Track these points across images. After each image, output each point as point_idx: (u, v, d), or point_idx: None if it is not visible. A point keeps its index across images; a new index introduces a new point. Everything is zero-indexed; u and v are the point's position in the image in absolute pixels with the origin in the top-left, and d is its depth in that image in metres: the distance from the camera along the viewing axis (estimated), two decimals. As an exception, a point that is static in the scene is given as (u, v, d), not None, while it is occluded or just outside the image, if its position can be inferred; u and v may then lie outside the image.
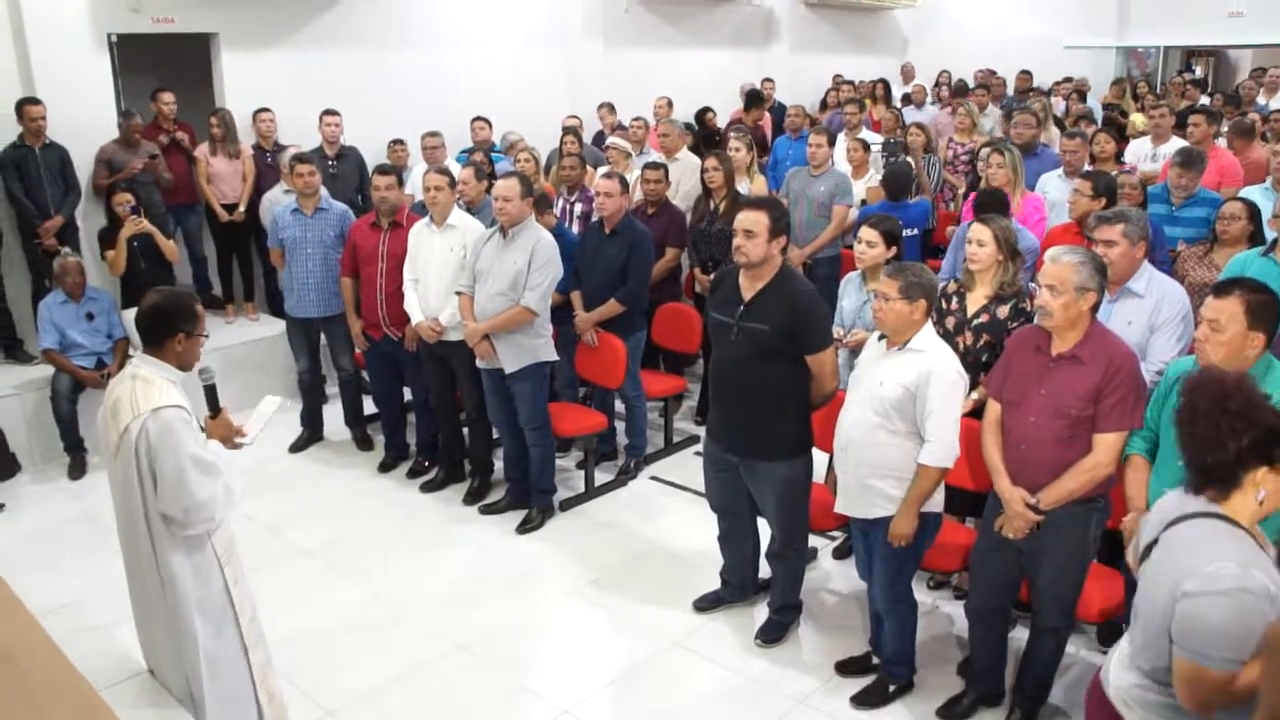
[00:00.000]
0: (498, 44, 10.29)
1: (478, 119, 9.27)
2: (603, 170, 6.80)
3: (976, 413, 4.09)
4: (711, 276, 5.55)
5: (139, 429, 3.00)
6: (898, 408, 3.73)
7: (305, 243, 6.50)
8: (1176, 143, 7.75)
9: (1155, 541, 2.56)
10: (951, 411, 3.71)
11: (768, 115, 11.64)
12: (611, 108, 10.32)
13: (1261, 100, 11.73)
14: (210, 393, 3.47)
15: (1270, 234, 5.28)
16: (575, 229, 6.82)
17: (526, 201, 5.44)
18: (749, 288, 4.17)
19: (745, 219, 4.08)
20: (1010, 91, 13.11)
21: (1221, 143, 8.12)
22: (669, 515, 5.86)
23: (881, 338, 3.89)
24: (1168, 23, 15.34)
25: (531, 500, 5.80)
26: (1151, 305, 4.32)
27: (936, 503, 3.87)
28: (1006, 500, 3.67)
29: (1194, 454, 2.47)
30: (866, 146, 8.06)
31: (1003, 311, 4.43)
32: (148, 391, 3.07)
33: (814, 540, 5.20)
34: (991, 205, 5.43)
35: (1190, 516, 2.47)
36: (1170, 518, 2.53)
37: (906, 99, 12.68)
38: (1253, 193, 6.23)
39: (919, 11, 16.05)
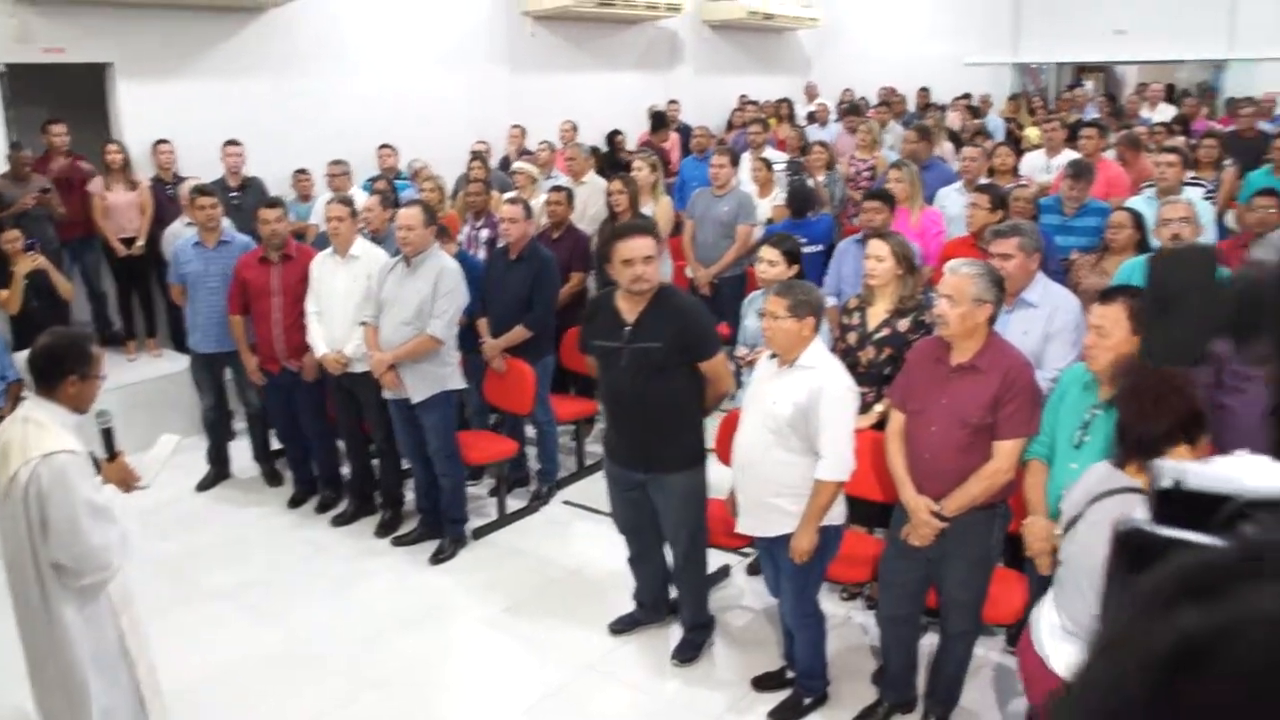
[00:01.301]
0: (403, 70, 10.22)
1: (383, 146, 9.23)
2: (507, 196, 6.80)
3: (883, 424, 4.16)
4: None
5: (29, 474, 2.92)
6: (791, 425, 3.78)
7: (208, 276, 6.38)
8: (1069, 154, 7.99)
9: (1080, 516, 2.69)
10: (843, 426, 3.77)
11: (675, 136, 11.75)
12: (524, 130, 10.33)
13: (1145, 113, 12.15)
14: (107, 436, 3.39)
15: (1155, 241, 5.45)
16: (482, 255, 6.79)
17: (430, 230, 5.41)
18: (631, 310, 4.21)
19: (643, 246, 4.11)
20: (912, 108, 13.40)
21: (1110, 155, 8.38)
22: (583, 539, 5.84)
23: (773, 356, 3.94)
24: (1058, 40, 15.86)
25: (444, 530, 5.74)
26: (1046, 315, 4.44)
27: (836, 516, 3.93)
28: (911, 509, 3.73)
29: (1128, 428, 2.72)
30: (770, 165, 8.16)
31: (903, 324, 4.51)
32: (40, 436, 2.99)
33: (726, 557, 5.24)
34: (880, 196, 5.73)
35: (1115, 492, 2.72)
36: (1095, 493, 2.65)
37: (810, 117, 12.89)
38: (1138, 202, 6.44)
39: (821, 31, 16.33)
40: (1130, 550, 0.70)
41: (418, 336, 5.35)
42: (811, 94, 14.48)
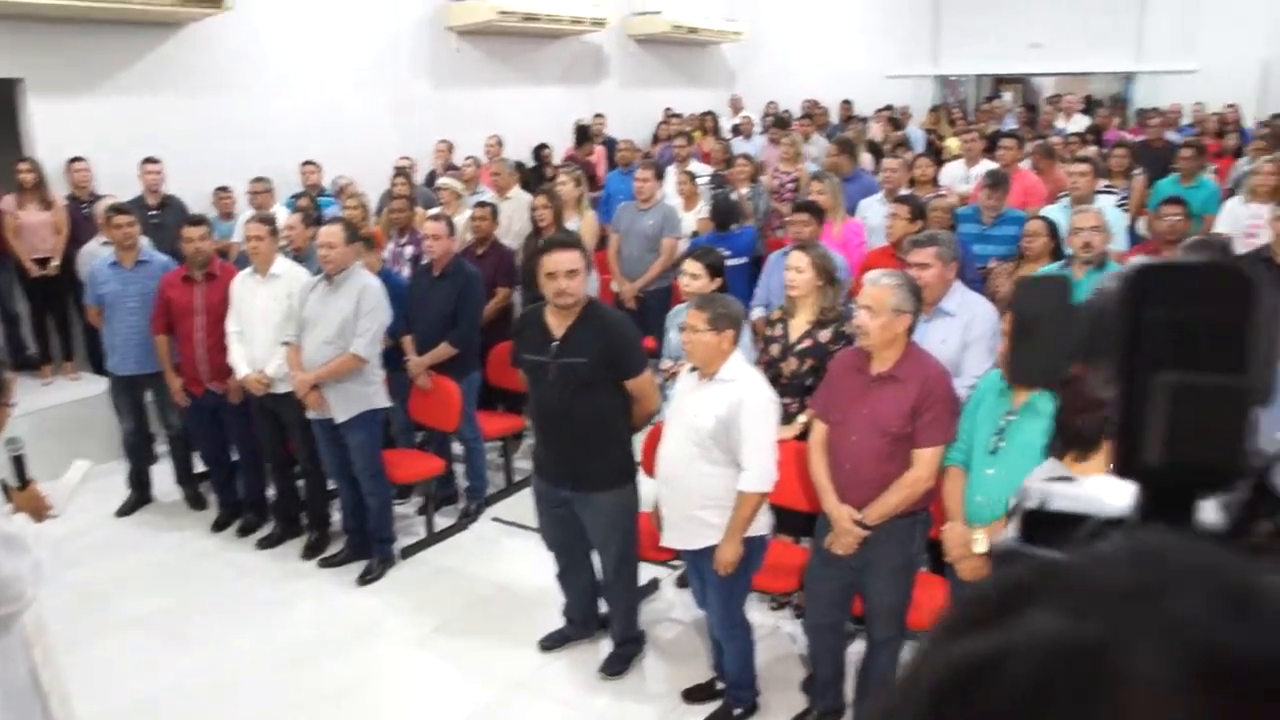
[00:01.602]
0: (326, 86, 10.12)
1: (307, 163, 9.13)
2: (430, 212, 6.77)
3: (806, 435, 4.21)
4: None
5: (-68, 506, 2.84)
6: (713, 438, 3.80)
7: (126, 297, 6.25)
8: (987, 165, 8.16)
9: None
10: (765, 437, 3.80)
11: (600, 149, 11.78)
12: (450, 145, 10.28)
13: (1060, 123, 12.45)
14: (18, 464, 3.31)
15: (1068, 249, 5.59)
16: (406, 272, 6.75)
17: (352, 247, 5.37)
18: (559, 325, 4.21)
19: (566, 259, 4.11)
20: (835, 120, 13.58)
21: (1027, 164, 8.58)
22: (512, 556, 5.82)
23: (694, 369, 3.96)
24: (976, 53, 16.23)
25: (371, 550, 5.68)
26: (963, 323, 4.53)
27: (760, 527, 3.96)
28: (834, 518, 3.78)
29: (1067, 417, 2.81)
30: (694, 178, 8.22)
31: (824, 335, 4.57)
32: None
33: (655, 570, 5.25)
34: (807, 208, 5.78)
35: (1053, 481, 2.70)
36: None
37: (735, 130, 13.01)
38: (1053, 211, 6.60)
39: (745, 45, 16.49)
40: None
41: (341, 355, 5.29)
42: (736, 107, 14.61)
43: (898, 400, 3.66)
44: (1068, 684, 0.40)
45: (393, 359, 5.95)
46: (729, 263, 5.71)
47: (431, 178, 9.83)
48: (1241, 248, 5.81)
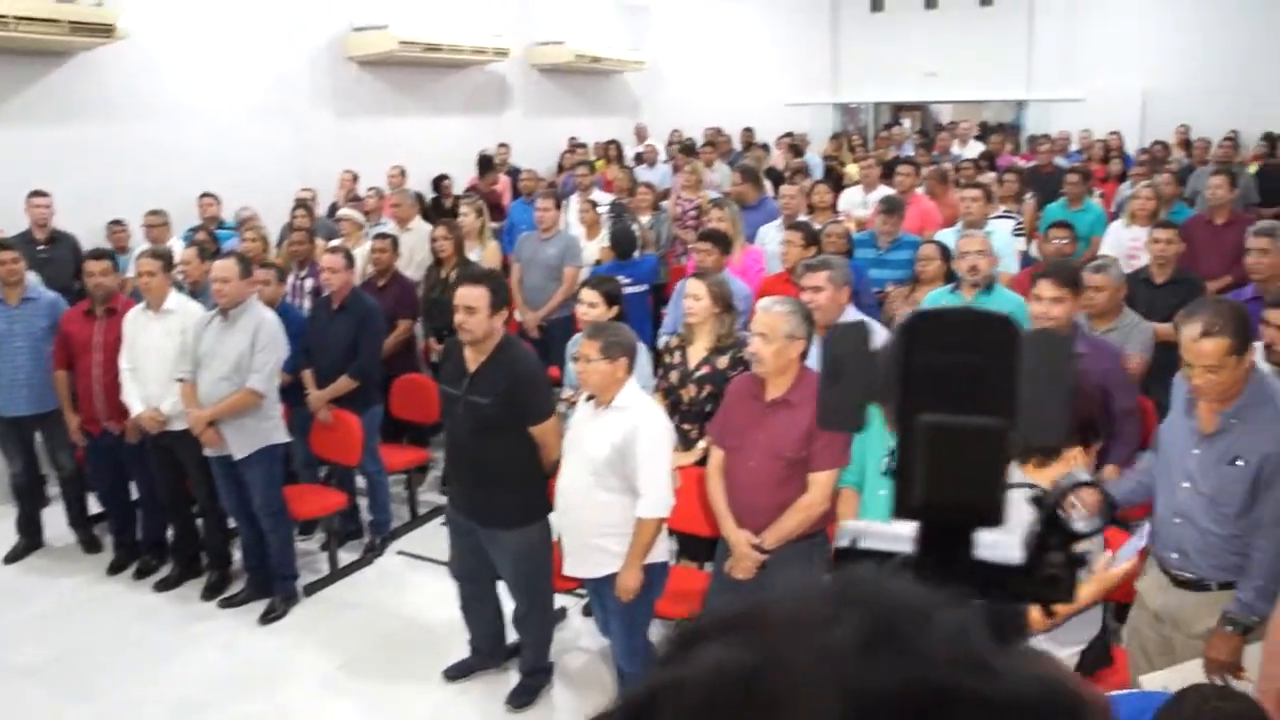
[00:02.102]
0: (225, 116, 9.97)
1: (204, 195, 8.97)
2: (328, 245, 6.72)
3: (705, 460, 4.25)
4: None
5: None
6: (609, 465, 3.84)
7: (12, 336, 6.05)
8: (884, 190, 8.35)
9: None
10: (660, 464, 3.85)
11: (505, 179, 11.79)
12: (355, 176, 10.21)
13: (956, 149, 12.80)
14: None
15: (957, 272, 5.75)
16: (306, 305, 6.68)
17: (246, 281, 5.30)
18: (473, 360, 4.22)
19: (466, 295, 4.13)
20: (738, 147, 13.78)
21: (922, 190, 8.80)
22: (418, 589, 5.76)
23: (590, 398, 3.99)
24: (874, 81, 16.64)
25: (273, 588, 5.57)
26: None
27: (661, 553, 4.00)
28: (732, 543, 3.83)
29: None
30: (596, 207, 8.28)
31: (722, 362, 4.64)
32: None
33: (563, 599, 5.24)
34: (710, 237, 5.85)
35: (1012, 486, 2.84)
36: None
37: (639, 158, 13.13)
38: (947, 235, 6.77)
39: (649, 74, 16.70)
40: None
41: (237, 391, 5.21)
42: (641, 135, 14.76)
43: (793, 425, 3.73)
44: (727, 707, 0.44)
45: (293, 393, 5.88)
46: (629, 290, 5.77)
47: (334, 209, 9.74)
48: (1126, 268, 6.02)
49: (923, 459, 0.67)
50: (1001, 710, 0.44)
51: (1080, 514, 0.78)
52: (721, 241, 6.03)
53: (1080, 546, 0.77)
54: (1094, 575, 2.91)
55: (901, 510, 0.69)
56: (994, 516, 0.68)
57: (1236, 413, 3.16)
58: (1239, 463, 3.13)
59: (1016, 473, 2.95)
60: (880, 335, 4.67)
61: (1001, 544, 0.77)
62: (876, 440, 3.72)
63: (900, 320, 0.72)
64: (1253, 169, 11.19)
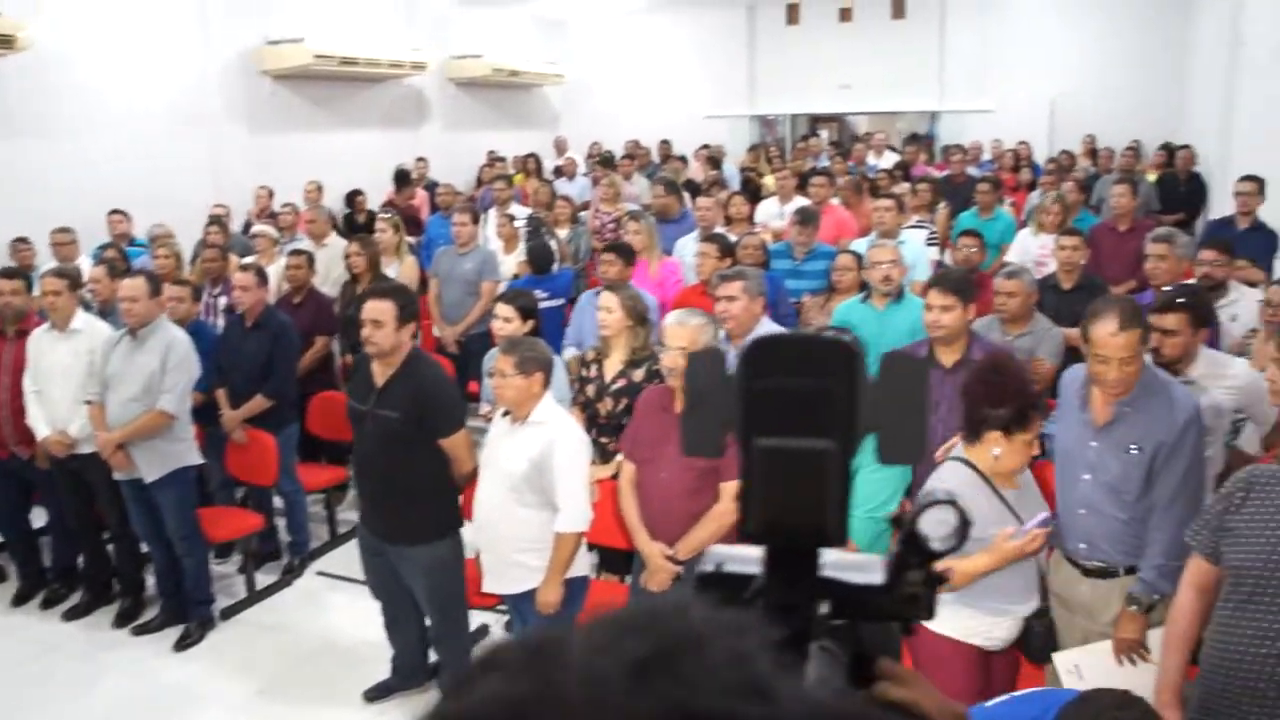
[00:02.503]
0: (134, 131, 9.73)
1: (114, 212, 8.76)
2: (240, 262, 6.62)
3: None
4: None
5: None
6: (526, 480, 3.83)
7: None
8: (800, 201, 8.44)
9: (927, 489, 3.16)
10: (578, 478, 3.85)
11: (423, 194, 11.71)
12: (270, 191, 10.06)
13: (871, 160, 13.01)
14: None
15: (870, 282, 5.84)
16: (220, 323, 6.57)
17: (156, 300, 5.20)
18: (381, 374, 4.18)
19: (372, 309, 4.10)
20: (656, 159, 13.86)
21: (837, 201, 8.92)
22: (338, 610, 5.68)
23: (507, 413, 3.99)
24: (790, 94, 16.86)
25: (188, 614, 5.46)
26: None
27: (581, 567, 3.99)
28: (646, 555, 3.84)
29: (966, 406, 3.27)
30: (514, 221, 8.26)
31: (638, 375, 4.65)
32: None
33: (485, 616, 5.21)
34: (615, 249, 5.90)
35: (951, 460, 3.27)
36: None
37: (558, 171, 13.14)
38: (861, 245, 6.87)
39: (568, 87, 16.73)
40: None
41: (148, 413, 5.10)
42: (560, 148, 14.77)
43: None
44: None
45: (207, 413, 5.78)
46: (546, 305, 5.77)
47: (248, 225, 9.59)
48: (1036, 275, 6.16)
49: (758, 482, 0.68)
50: None
51: (938, 533, 0.80)
52: (625, 253, 6.05)
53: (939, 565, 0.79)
54: (990, 547, 3.10)
55: (744, 534, 0.71)
56: (833, 536, 0.69)
57: (1130, 402, 3.31)
58: (1134, 450, 3.27)
59: (959, 447, 3.13)
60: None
61: (864, 565, 0.80)
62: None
63: (742, 347, 0.73)
64: (1152, 177, 11.55)
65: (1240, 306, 5.42)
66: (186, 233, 8.46)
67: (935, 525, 0.80)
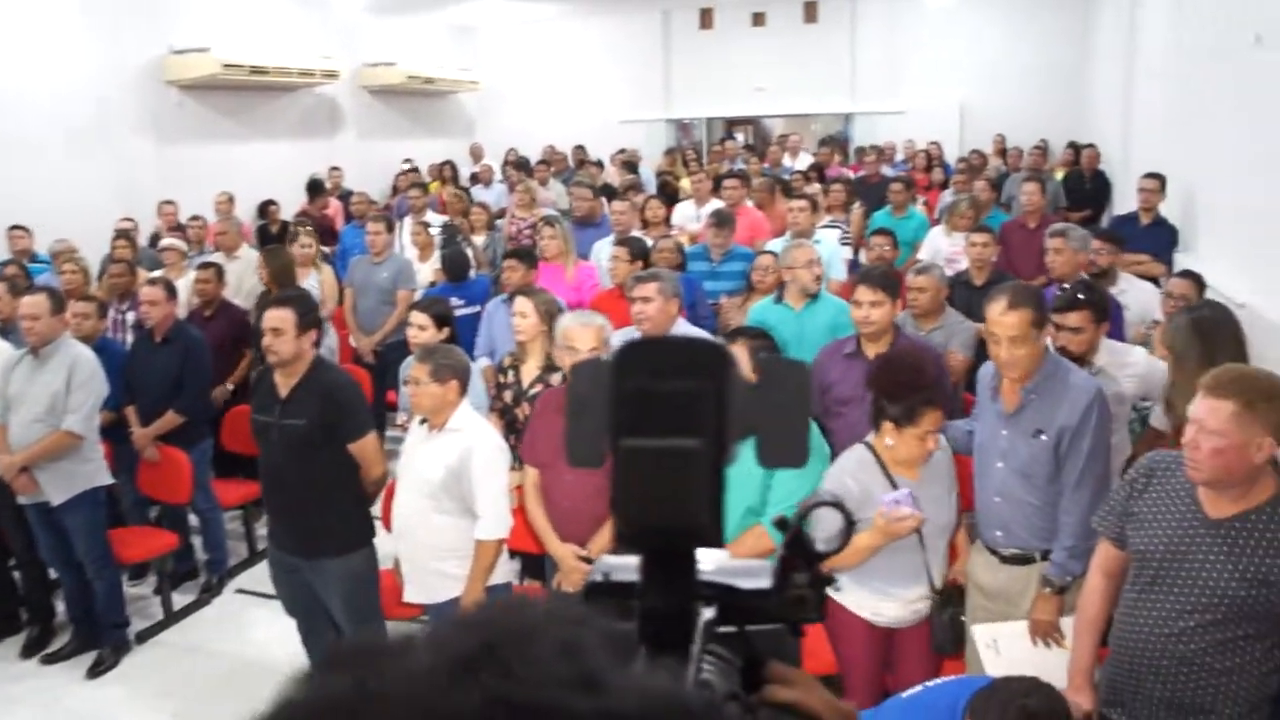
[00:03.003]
0: (34, 145, 9.40)
1: (15, 228, 8.51)
2: (147, 276, 6.47)
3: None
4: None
5: None
6: (445, 488, 3.80)
7: None
8: (716, 204, 8.49)
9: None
10: (497, 484, 3.83)
11: (337, 203, 11.57)
12: (177, 205, 9.84)
13: (787, 161, 13.15)
14: None
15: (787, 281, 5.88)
16: (129, 339, 6.42)
17: (58, 318, 5.06)
18: (284, 384, 4.12)
19: (271, 317, 4.05)
20: (572, 165, 13.85)
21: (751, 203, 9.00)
22: (259, 627, 5.57)
23: (424, 421, 3.95)
24: (705, 97, 16.99)
25: (101, 639, 5.30)
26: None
27: (503, 574, 3.97)
28: (558, 558, 3.85)
29: (872, 397, 3.47)
30: (429, 228, 8.18)
31: (555, 379, 4.64)
32: None
33: (405, 628, 5.14)
34: (520, 255, 5.98)
35: (859, 443, 3.50)
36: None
37: (474, 178, 13.06)
38: (776, 245, 6.94)
39: (483, 94, 16.66)
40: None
41: (52, 434, 4.95)
42: (476, 155, 14.68)
43: None
44: None
45: (117, 431, 5.64)
46: (462, 312, 5.73)
47: (156, 239, 9.37)
48: (948, 272, 6.27)
49: (625, 484, 0.67)
50: None
51: (823, 535, 0.80)
52: (526, 258, 6.04)
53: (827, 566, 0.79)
54: (873, 527, 3.27)
55: (617, 538, 0.70)
56: (707, 536, 0.69)
57: (1035, 389, 3.40)
58: (1042, 436, 3.37)
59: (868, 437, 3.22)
60: None
61: (752, 570, 0.79)
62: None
63: (616, 348, 0.72)
64: (1059, 175, 11.84)
65: (1129, 296, 5.60)
66: (93, 248, 8.23)
67: (820, 526, 0.80)
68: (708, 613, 0.76)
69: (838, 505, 0.81)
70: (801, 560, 0.79)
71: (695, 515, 0.67)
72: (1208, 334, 3.77)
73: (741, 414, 0.71)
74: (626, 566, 0.75)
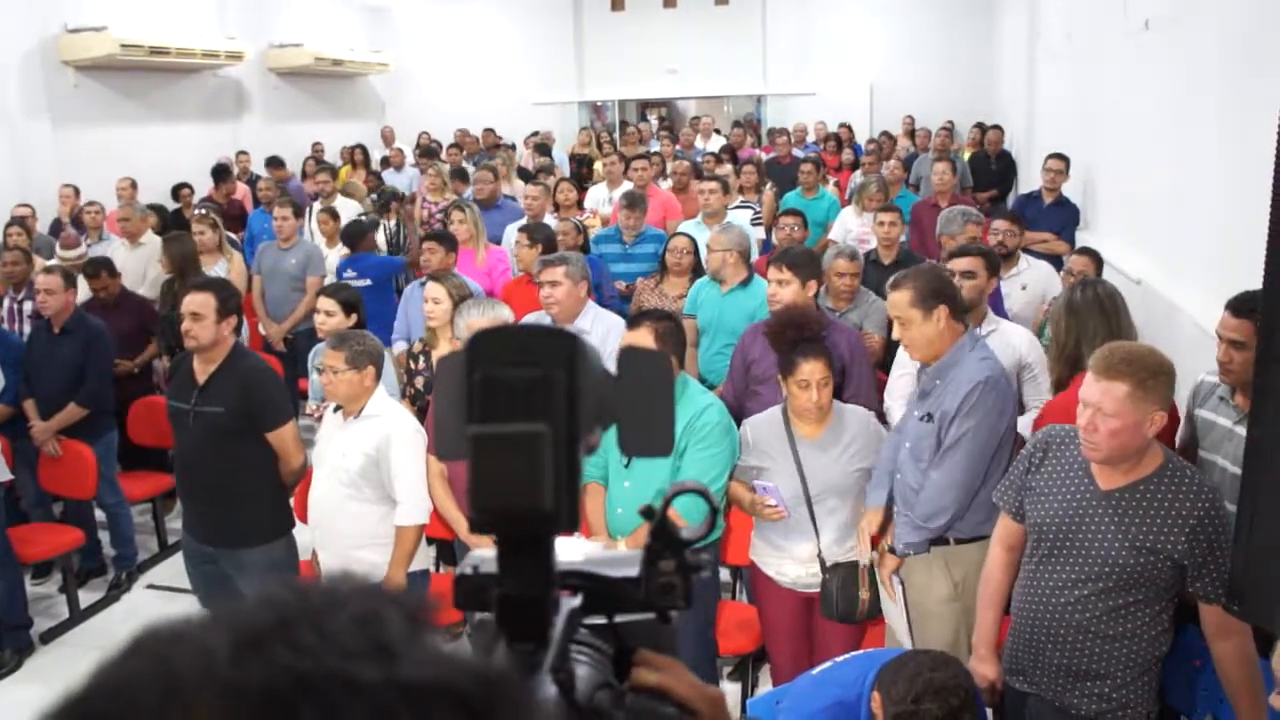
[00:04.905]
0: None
1: (-99, 216, 8.20)
2: (43, 265, 6.28)
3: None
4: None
5: None
6: (363, 475, 3.77)
7: None
8: (629, 186, 8.49)
9: None
10: (415, 469, 3.81)
11: (245, 188, 11.33)
12: (76, 190, 9.53)
13: (699, 144, 13.20)
14: None
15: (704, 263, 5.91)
16: (27, 329, 6.22)
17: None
18: (202, 371, 4.05)
19: (191, 302, 3.98)
20: (483, 148, 13.74)
21: (665, 184, 9.02)
22: (171, 623, 5.46)
23: (338, 409, 3.91)
24: (618, 79, 16.98)
25: (2, 641, 5.14)
26: (599, 340, 4.68)
27: (421, 561, 3.96)
28: (471, 544, 3.84)
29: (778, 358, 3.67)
30: (335, 215, 8.01)
31: (467, 366, 4.61)
32: None
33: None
34: (440, 237, 5.99)
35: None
36: None
37: (385, 162, 12.89)
38: (689, 226, 6.98)
39: (393, 77, 16.42)
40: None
41: (-54, 429, 4.81)
42: (389, 138, 14.48)
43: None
44: (128, 709, 0.45)
45: (15, 426, 5.47)
46: (353, 284, 5.67)
47: (57, 226, 9.09)
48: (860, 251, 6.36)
49: (470, 469, 0.67)
50: (382, 693, 0.45)
51: (688, 522, 0.82)
52: (447, 241, 6.00)
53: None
54: (747, 500, 3.60)
55: (470, 524, 0.70)
56: (555, 521, 0.69)
57: (938, 373, 3.44)
58: (930, 421, 3.41)
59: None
60: (621, 332, 4.79)
61: (620, 560, 0.80)
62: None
63: (468, 338, 0.72)
64: (966, 155, 12.07)
65: (1029, 276, 5.75)
66: (-15, 236, 7.96)
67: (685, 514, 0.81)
68: (573, 602, 0.76)
69: (701, 493, 0.82)
70: (668, 548, 0.79)
71: (543, 499, 0.67)
72: (1109, 307, 3.92)
73: (598, 402, 0.72)
74: (493, 560, 0.75)
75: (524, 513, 0.68)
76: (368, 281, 6.64)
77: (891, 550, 3.46)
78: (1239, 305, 3.21)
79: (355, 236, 6.91)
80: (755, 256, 6.99)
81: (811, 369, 3.49)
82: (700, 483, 0.82)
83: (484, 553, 0.77)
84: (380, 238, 8.25)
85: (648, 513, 0.79)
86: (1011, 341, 4.29)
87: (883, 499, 3.54)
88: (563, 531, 0.70)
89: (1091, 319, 3.85)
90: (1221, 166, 4.62)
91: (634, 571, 0.79)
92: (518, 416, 0.67)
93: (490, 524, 0.69)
